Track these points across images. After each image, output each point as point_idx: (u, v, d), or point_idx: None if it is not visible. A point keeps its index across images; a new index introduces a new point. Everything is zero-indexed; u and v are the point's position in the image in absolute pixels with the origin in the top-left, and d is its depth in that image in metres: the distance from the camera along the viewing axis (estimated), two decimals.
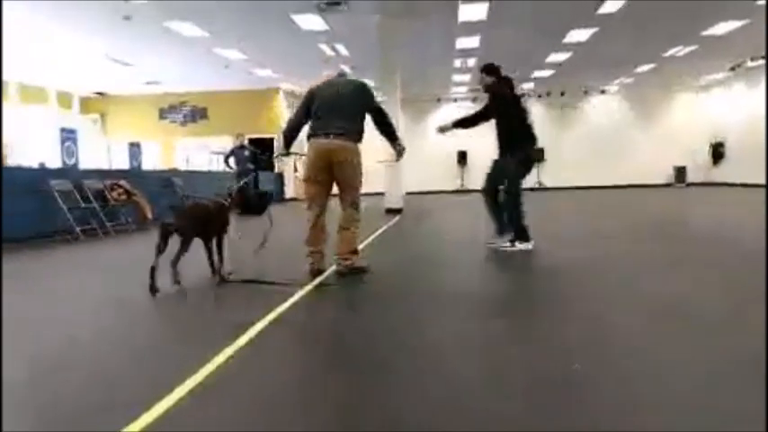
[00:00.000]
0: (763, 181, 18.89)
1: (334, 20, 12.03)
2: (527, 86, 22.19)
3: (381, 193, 12.36)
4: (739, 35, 14.52)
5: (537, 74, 19.56)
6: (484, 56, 16.06)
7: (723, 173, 22.04)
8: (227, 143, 17.33)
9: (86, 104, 20.88)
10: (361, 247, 5.31)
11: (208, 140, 21.01)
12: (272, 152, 20.48)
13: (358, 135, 4.87)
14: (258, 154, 13.46)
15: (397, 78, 12.79)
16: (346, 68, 5.14)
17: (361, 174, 4.88)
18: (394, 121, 5.24)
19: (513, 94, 5.79)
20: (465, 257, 6.07)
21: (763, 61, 18.14)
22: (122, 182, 10.43)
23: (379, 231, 8.47)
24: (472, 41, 14.46)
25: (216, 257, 4.76)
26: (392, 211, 11.85)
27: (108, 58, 15.26)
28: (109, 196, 9.94)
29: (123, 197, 10.23)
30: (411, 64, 15.87)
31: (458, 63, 17.22)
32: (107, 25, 12.22)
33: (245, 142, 13.29)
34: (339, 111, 4.83)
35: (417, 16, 11.96)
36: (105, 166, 18.72)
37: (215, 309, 4.04)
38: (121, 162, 20.77)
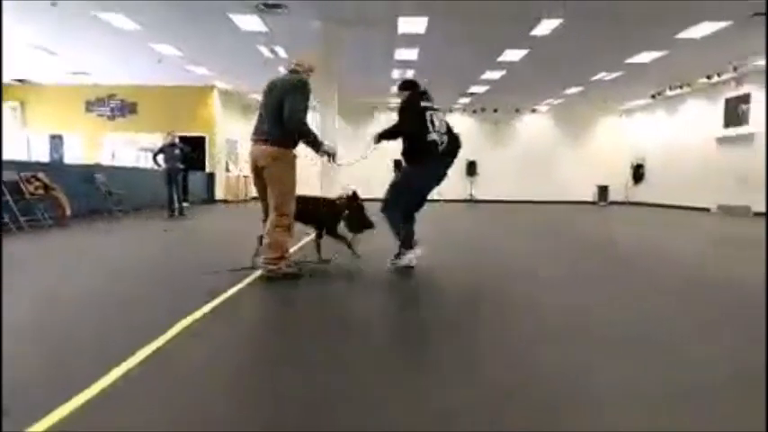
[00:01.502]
0: (678, 203, 20.16)
1: (273, 22, 11.91)
2: (462, 101, 22.72)
3: None
4: (661, 64, 15.45)
5: (473, 89, 20.06)
6: (422, 68, 16.38)
7: (642, 193, 23.33)
8: (157, 140, 16.76)
9: (5, 91, 19.69)
10: (292, 250, 5.26)
11: (136, 136, 20.25)
12: (203, 151, 20.01)
13: (283, 139, 4.71)
14: (189, 152, 13.10)
15: (335, 85, 12.80)
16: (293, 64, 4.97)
17: (286, 179, 4.74)
18: (314, 129, 4.98)
19: (421, 106, 5.59)
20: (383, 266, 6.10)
21: (680, 90, 19.38)
22: (40, 175, 9.90)
23: (309, 238, 8.40)
24: (411, 54, 14.67)
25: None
26: None
27: (31, 45, 14.47)
28: (25, 190, 9.41)
29: (41, 191, 9.71)
30: (350, 71, 15.93)
31: (396, 74, 17.42)
32: (31, 9, 11.60)
33: (176, 140, 12.90)
34: (266, 113, 4.77)
35: (357, 25, 12.03)
36: (23, 158, 17.71)
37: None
38: (42, 154, 19.72)
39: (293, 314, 3.91)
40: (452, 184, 24.01)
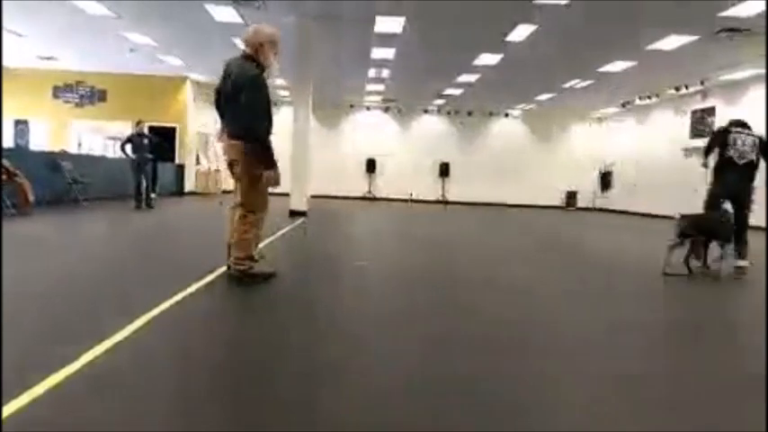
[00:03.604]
0: (644, 210, 20.61)
1: (249, 14, 11.80)
2: (437, 102, 22.86)
3: (286, 195, 12.24)
4: (631, 74, 15.78)
5: (448, 91, 20.19)
6: (398, 68, 16.42)
7: (610, 200, 23.79)
8: (127, 129, 16.44)
9: None
10: (261, 245, 5.14)
11: (105, 125, 19.83)
12: (173, 142, 19.71)
13: (244, 131, 4.36)
14: (158, 143, 12.90)
15: (310, 82, 12.75)
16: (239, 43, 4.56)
17: (253, 173, 4.41)
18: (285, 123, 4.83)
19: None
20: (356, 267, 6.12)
21: (649, 100, 19.82)
22: (4, 161, 9.64)
23: (280, 233, 8.38)
24: (387, 53, 14.70)
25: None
26: (296, 214, 11.78)
27: None
28: None
29: (4, 177, 9.46)
30: (326, 69, 15.89)
31: (372, 72, 17.43)
32: None
33: (145, 130, 12.69)
34: (227, 102, 4.44)
35: (334, 22, 12.01)
36: None
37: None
38: (6, 140, 19.17)
39: (233, 332, 3.40)
40: (425, 186, 24.17)
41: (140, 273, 4.99)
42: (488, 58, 14.86)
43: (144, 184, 12.27)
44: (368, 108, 24.38)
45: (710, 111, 17.70)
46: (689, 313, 4.60)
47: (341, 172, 23.92)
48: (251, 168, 4.42)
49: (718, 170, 6.98)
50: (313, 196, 14.57)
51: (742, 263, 6.51)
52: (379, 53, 14.76)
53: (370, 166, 24.33)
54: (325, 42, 13.14)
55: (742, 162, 6.80)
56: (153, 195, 12.84)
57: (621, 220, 18.22)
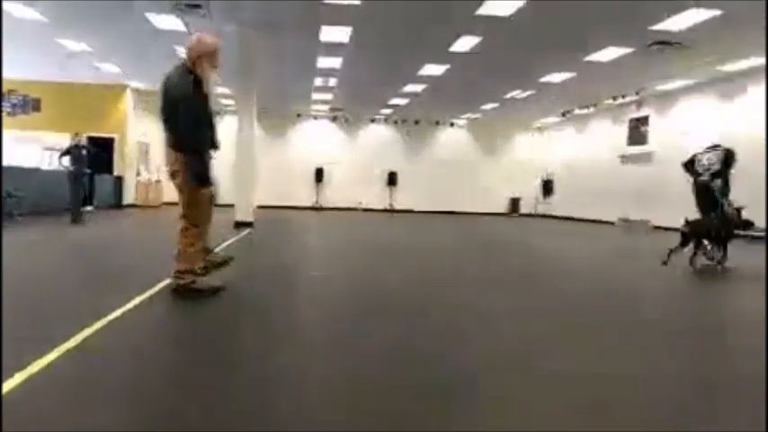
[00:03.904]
0: (584, 216, 21.28)
1: (192, 22, 11.54)
2: (385, 112, 22.99)
3: (231, 206, 12.00)
4: (570, 85, 16.29)
5: (395, 101, 20.32)
6: (345, 77, 16.42)
7: (551, 206, 24.47)
8: (63, 140, 15.73)
9: None
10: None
11: (40, 135, 18.93)
12: (111, 153, 19.04)
13: (182, 143, 4.26)
14: (96, 154, 12.41)
15: (254, 91, 12.58)
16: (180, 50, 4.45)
17: (187, 187, 4.29)
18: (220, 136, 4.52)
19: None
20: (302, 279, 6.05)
21: (588, 110, 20.52)
22: None
23: (225, 245, 8.18)
24: (334, 62, 14.67)
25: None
26: (242, 225, 11.54)
27: None
28: None
29: None
30: (271, 78, 15.72)
31: (319, 81, 17.36)
32: None
33: (83, 141, 12.19)
34: (166, 113, 4.32)
35: (279, 31, 11.90)
36: None
37: None
38: None
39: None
40: (373, 195, 24.19)
41: (74, 290, 4.75)
42: (434, 69, 15.06)
43: (81, 196, 11.77)
44: (315, 117, 24.25)
45: (645, 120, 18.50)
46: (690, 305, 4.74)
47: (288, 182, 23.68)
48: (185, 178, 4.32)
49: (696, 193, 8.24)
50: (260, 207, 14.35)
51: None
52: (325, 62, 14.71)
53: (318, 175, 24.18)
54: (269, 51, 13.01)
55: (708, 173, 7.95)
56: (89, 208, 12.31)
57: (561, 225, 18.77)
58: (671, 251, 7.62)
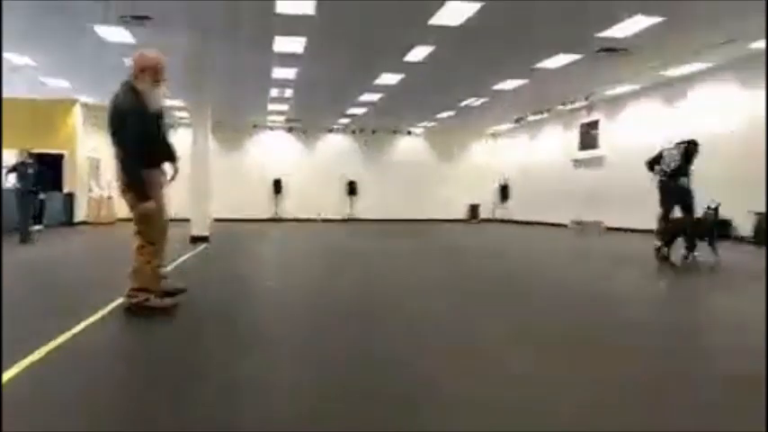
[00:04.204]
0: (540, 219, 21.69)
1: (142, 34, 11.31)
2: (342, 122, 22.99)
3: (187, 220, 11.77)
4: (522, 92, 16.63)
5: (352, 110, 20.36)
6: (301, 87, 16.37)
7: (508, 211, 24.88)
8: (9, 157, 15.14)
9: None
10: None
11: None
12: (60, 170, 18.43)
13: (121, 164, 4.20)
14: (41, 172, 11.95)
15: (208, 102, 12.40)
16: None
17: (138, 204, 4.20)
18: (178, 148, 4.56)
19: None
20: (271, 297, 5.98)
21: (540, 116, 20.99)
22: None
23: (180, 260, 8.02)
24: (289, 73, 14.60)
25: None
26: (198, 239, 11.32)
27: None
28: None
29: None
30: (225, 89, 15.53)
31: (275, 92, 17.25)
32: None
33: (29, 158, 11.75)
34: (114, 131, 4.25)
35: (231, 42, 11.79)
36: None
37: None
38: None
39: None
40: (333, 204, 24.11)
41: (21, 313, 4.54)
42: (389, 78, 15.16)
43: (30, 215, 11.34)
44: (271, 128, 24.06)
45: (595, 124, 19.03)
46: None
47: (246, 194, 23.37)
48: (133, 197, 4.23)
49: (660, 188, 8.55)
50: (217, 220, 14.11)
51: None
52: (280, 73, 14.63)
53: (276, 186, 23.97)
54: (223, 62, 12.87)
55: (670, 169, 8.31)
56: (37, 227, 11.87)
57: (518, 229, 19.10)
58: (658, 249, 8.07)
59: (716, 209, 8.01)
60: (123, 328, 4.06)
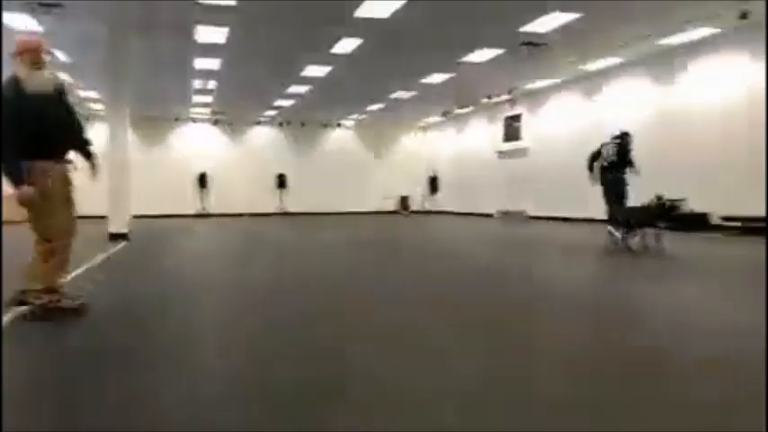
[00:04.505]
0: (468, 210, 22.17)
1: (52, 22, 10.62)
2: (269, 114, 22.57)
3: (103, 217, 11.22)
4: (449, 85, 16.88)
5: (279, 102, 20.02)
6: (225, 79, 15.92)
7: (438, 202, 25.29)
8: None
9: None
10: (70, 278, 4.59)
11: None
12: None
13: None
14: None
15: (126, 94, 11.81)
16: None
17: (40, 201, 3.94)
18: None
19: None
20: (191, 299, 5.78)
21: (466, 109, 21.41)
22: None
23: (96, 260, 7.63)
24: (212, 63, 14.16)
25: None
26: (117, 237, 10.80)
27: None
28: None
29: None
30: (144, 80, 14.89)
31: (198, 84, 16.70)
32: None
33: None
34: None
35: (149, 31, 11.28)
36: None
37: None
38: None
39: None
40: (262, 198, 23.66)
41: None
42: (316, 70, 14.99)
43: None
44: (195, 121, 23.29)
45: (518, 117, 19.62)
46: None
47: (170, 189, 22.52)
48: (34, 196, 3.89)
49: (601, 182, 9.08)
50: (138, 217, 13.51)
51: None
52: (203, 63, 14.17)
53: (202, 181, 23.26)
54: (141, 52, 12.31)
55: (607, 164, 8.91)
56: None
57: (446, 219, 19.46)
58: (623, 238, 8.43)
59: (660, 198, 8.48)
60: (25, 334, 3.79)
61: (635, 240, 8.35)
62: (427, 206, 25.78)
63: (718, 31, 11.65)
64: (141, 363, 3.11)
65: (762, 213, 10.83)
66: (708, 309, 4.55)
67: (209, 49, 12.80)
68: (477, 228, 15.47)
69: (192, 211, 22.72)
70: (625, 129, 9.24)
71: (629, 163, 8.85)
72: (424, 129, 26.50)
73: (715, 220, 11.83)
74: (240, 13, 10.33)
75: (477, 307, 4.60)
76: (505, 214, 19.31)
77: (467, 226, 16.23)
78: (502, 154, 20.63)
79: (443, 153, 25.19)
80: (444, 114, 22.84)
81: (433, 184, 25.71)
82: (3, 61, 11.03)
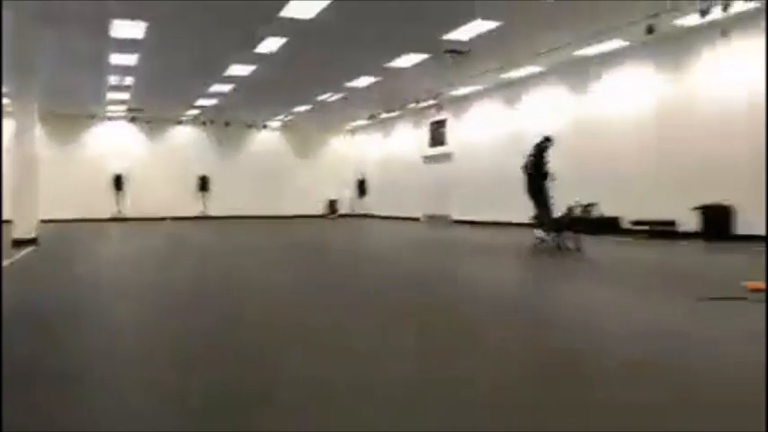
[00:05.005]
0: (396, 214, 22.35)
1: None
2: (191, 113, 21.84)
3: (8, 222, 10.47)
4: (375, 89, 16.93)
5: (201, 101, 19.43)
6: (144, 75, 15.27)
7: (367, 205, 25.35)
8: None
9: None
10: None
11: None
12: None
13: None
14: None
15: (34, 90, 11.09)
16: None
17: None
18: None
19: None
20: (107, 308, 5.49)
21: (393, 113, 21.54)
22: None
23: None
24: (129, 59, 13.53)
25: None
26: (22, 243, 10.08)
27: None
28: None
29: None
30: (55, 75, 14.06)
31: (113, 80, 15.92)
32: None
33: None
34: None
35: (61, 23, 10.64)
36: None
37: None
38: None
39: None
40: (183, 201, 22.83)
41: None
42: (240, 69, 14.65)
43: None
44: (111, 119, 22.19)
45: (443, 123, 19.99)
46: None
47: (84, 191, 21.32)
48: None
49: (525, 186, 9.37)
50: (48, 221, 12.71)
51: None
52: (119, 59, 13.51)
53: (118, 182, 22.14)
54: (51, 45, 11.59)
55: (528, 168, 9.25)
56: None
57: (375, 223, 19.55)
58: (545, 240, 8.96)
59: (570, 210, 9.02)
60: None
61: (557, 242, 8.75)
62: (356, 209, 25.77)
63: (628, 44, 12.35)
64: (45, 375, 2.89)
65: (668, 218, 11.59)
66: (623, 310, 4.72)
67: (126, 45, 12.24)
68: (402, 231, 15.62)
69: (107, 215, 21.61)
70: (547, 134, 9.58)
71: (543, 167, 9.17)
72: (353, 132, 26.50)
73: (625, 225, 12.51)
74: (158, 8, 9.93)
75: (401, 309, 4.62)
76: (431, 218, 19.61)
77: (392, 229, 16.36)
78: (428, 158, 20.95)
79: (371, 156, 25.29)
80: (371, 118, 22.89)
81: (362, 187, 25.74)
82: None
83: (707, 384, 2.67)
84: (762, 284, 4.86)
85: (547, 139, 9.36)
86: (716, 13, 9.50)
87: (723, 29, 10.06)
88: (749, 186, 10.20)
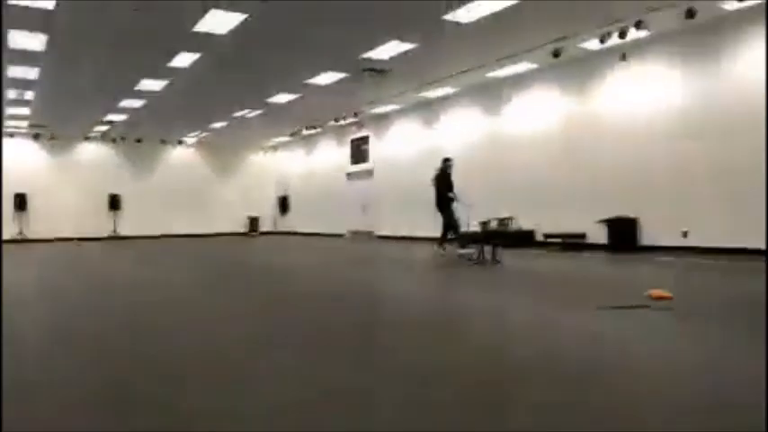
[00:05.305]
0: (319, 230, 22.15)
1: None
2: (99, 129, 20.78)
3: None
4: (296, 106, 16.77)
5: (110, 117, 18.55)
6: (46, 90, 14.44)
7: (289, 222, 25.00)
8: None
9: None
10: None
11: None
12: None
13: None
14: None
15: None
16: None
17: None
18: None
19: None
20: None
21: (314, 130, 21.47)
22: None
23: None
24: (30, 72, 12.73)
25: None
26: None
27: None
28: None
29: None
30: None
31: (12, 94, 14.91)
32: None
33: None
34: None
35: None
36: None
37: None
38: None
39: None
40: (92, 221, 21.64)
41: None
42: (152, 84, 14.12)
43: None
44: (11, 135, 20.74)
45: (365, 140, 20.10)
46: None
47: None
48: None
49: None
50: None
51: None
52: (17, 72, 12.69)
53: (20, 202, 20.70)
54: None
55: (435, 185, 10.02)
56: None
57: (297, 240, 19.28)
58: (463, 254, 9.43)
59: (485, 224, 9.37)
60: None
61: (475, 254, 9.11)
62: (279, 227, 25.35)
63: (536, 66, 12.91)
64: None
65: (579, 230, 12.14)
66: (542, 317, 4.83)
67: (25, 57, 11.52)
68: (324, 247, 15.46)
69: (7, 237, 20.09)
70: (447, 155, 10.37)
71: (448, 182, 9.91)
72: (274, 148, 26.13)
73: (539, 237, 13.00)
74: (59, 20, 9.41)
75: (322, 321, 4.51)
76: (355, 234, 19.58)
77: (314, 246, 16.17)
78: (350, 175, 20.96)
79: (294, 173, 25.01)
80: (293, 135, 22.68)
81: (284, 204, 25.38)
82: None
83: (583, 382, 2.75)
84: (666, 293, 5.13)
85: (447, 160, 10.19)
86: (614, 39, 10.15)
87: (622, 53, 10.76)
88: (651, 200, 10.91)
